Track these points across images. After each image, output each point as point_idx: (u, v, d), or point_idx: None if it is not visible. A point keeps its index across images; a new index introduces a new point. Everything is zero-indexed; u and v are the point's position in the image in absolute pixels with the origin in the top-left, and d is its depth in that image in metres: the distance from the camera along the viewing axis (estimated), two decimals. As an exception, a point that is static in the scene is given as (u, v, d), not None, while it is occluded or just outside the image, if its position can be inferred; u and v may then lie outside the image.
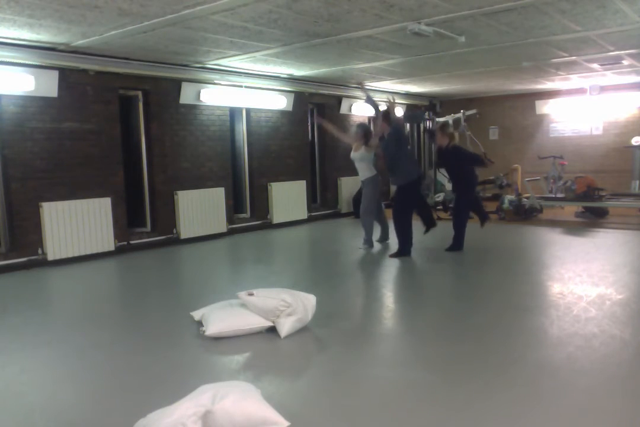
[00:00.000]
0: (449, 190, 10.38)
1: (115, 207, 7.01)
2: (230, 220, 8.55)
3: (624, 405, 2.70)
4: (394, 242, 7.23)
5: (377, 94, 10.98)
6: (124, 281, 6.09)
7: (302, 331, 3.83)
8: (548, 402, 2.70)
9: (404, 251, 6.48)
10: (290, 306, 3.72)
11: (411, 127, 11.46)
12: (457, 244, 6.70)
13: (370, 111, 11.15)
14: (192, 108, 7.98)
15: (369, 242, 7.08)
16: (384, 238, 7.43)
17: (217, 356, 3.52)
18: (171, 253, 7.30)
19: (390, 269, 6.04)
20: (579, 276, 5.29)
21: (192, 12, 4.76)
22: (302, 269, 6.34)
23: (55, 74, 6.31)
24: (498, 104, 12.46)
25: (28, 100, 6.20)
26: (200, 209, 8.00)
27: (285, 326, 3.71)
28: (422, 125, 11.36)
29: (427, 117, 11.31)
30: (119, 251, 7.09)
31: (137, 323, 4.25)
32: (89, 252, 6.73)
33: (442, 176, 10.75)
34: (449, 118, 11.56)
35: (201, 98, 7.92)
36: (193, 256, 7.17)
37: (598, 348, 3.40)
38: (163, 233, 7.70)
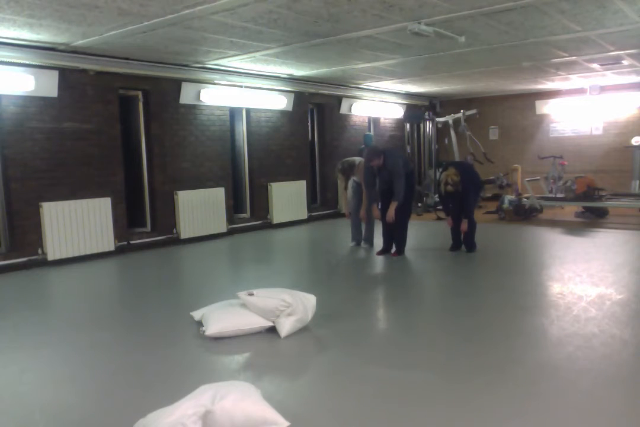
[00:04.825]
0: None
1: (115, 207, 7.00)
2: (230, 220, 8.55)
3: (624, 405, 2.70)
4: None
5: (378, 94, 11.02)
6: (124, 281, 6.09)
7: (302, 331, 3.82)
8: (548, 402, 2.70)
9: (403, 249, 6.60)
10: (290, 306, 3.72)
11: (411, 127, 11.45)
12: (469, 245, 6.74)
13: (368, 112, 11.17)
14: (192, 108, 7.98)
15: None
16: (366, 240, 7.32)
17: (217, 356, 3.52)
18: (171, 253, 7.30)
19: (391, 268, 6.04)
20: (579, 276, 5.29)
21: (192, 12, 4.76)
22: (302, 269, 6.34)
23: (55, 74, 6.30)
24: (498, 104, 12.47)
25: (28, 100, 6.20)
26: (200, 209, 7.99)
27: (285, 326, 3.71)
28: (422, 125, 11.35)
29: (427, 117, 11.30)
30: (119, 251, 7.09)
31: (137, 323, 4.25)
32: (89, 252, 6.73)
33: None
34: (449, 118, 11.56)
35: (201, 98, 7.92)
36: (193, 256, 7.17)
37: (598, 348, 3.40)
38: (163, 233, 7.70)
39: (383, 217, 6.47)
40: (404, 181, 6.28)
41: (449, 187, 6.48)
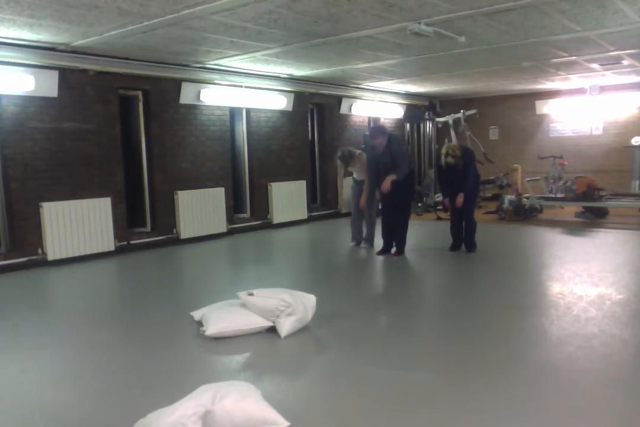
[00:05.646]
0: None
1: (115, 207, 7.00)
2: (230, 220, 8.55)
3: (624, 405, 2.70)
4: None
5: (378, 94, 11.02)
6: (124, 281, 6.09)
7: (302, 331, 3.83)
8: (548, 402, 2.70)
9: (403, 249, 6.60)
10: (290, 306, 3.72)
11: (411, 127, 11.45)
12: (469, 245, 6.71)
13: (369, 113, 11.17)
14: (192, 108, 7.98)
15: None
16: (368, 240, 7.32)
17: (217, 356, 3.52)
18: (171, 253, 7.30)
19: (391, 268, 6.04)
20: (579, 276, 5.29)
21: (192, 12, 4.76)
22: (302, 269, 6.34)
23: (55, 74, 6.30)
24: (498, 104, 12.47)
25: (28, 100, 6.20)
26: (200, 209, 7.99)
27: (285, 326, 3.71)
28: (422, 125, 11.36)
29: (427, 117, 11.29)
30: (119, 251, 7.08)
31: (137, 323, 4.25)
32: (89, 252, 6.73)
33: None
34: (449, 118, 11.56)
35: (201, 98, 7.92)
36: (193, 256, 7.17)
37: (598, 348, 3.40)
38: (163, 233, 7.70)
39: (384, 206, 6.46)
40: (407, 163, 6.22)
41: (450, 159, 6.24)
